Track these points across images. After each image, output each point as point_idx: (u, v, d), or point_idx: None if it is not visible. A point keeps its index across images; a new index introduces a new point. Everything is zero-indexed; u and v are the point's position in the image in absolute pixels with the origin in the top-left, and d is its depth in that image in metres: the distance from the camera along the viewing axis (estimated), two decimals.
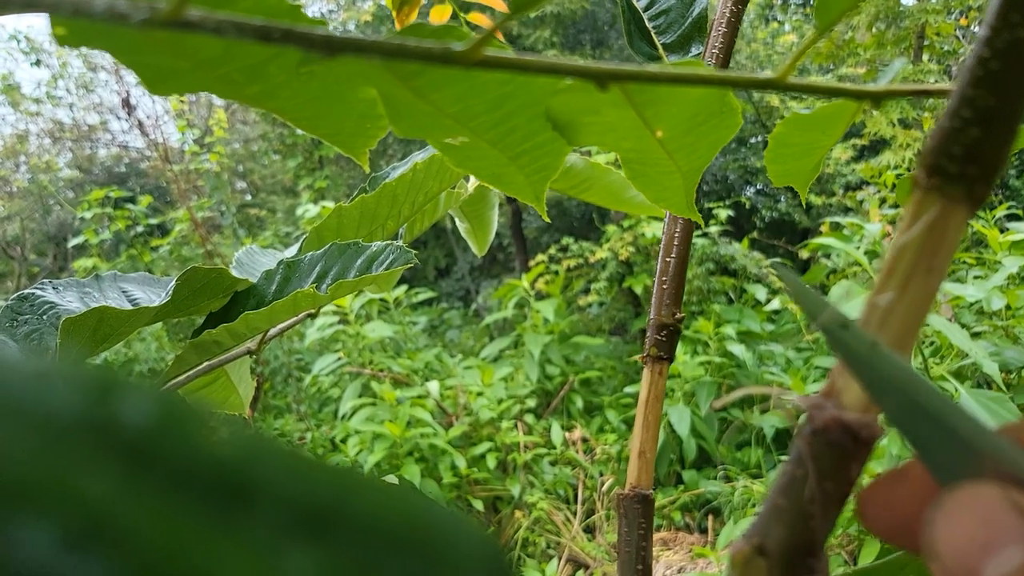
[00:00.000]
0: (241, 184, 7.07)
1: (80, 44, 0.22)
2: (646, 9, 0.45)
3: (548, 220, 0.39)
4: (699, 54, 0.44)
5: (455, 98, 0.24)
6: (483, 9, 0.96)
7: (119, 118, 7.06)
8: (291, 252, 0.72)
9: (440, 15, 0.94)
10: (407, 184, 0.63)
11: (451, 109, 0.24)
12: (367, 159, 0.30)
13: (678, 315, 0.42)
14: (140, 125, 4.54)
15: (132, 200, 4.61)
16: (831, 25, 0.22)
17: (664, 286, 0.43)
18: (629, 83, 0.22)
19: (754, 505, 2.73)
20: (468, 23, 0.96)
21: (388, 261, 0.52)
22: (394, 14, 0.82)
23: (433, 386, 3.07)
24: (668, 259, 0.44)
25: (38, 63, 6.54)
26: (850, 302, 2.02)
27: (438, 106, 0.24)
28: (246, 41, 0.17)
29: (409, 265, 0.51)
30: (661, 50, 0.44)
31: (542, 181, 0.33)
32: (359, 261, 0.53)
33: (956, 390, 1.84)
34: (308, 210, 3.96)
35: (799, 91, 0.24)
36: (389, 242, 0.52)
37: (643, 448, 0.40)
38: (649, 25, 0.45)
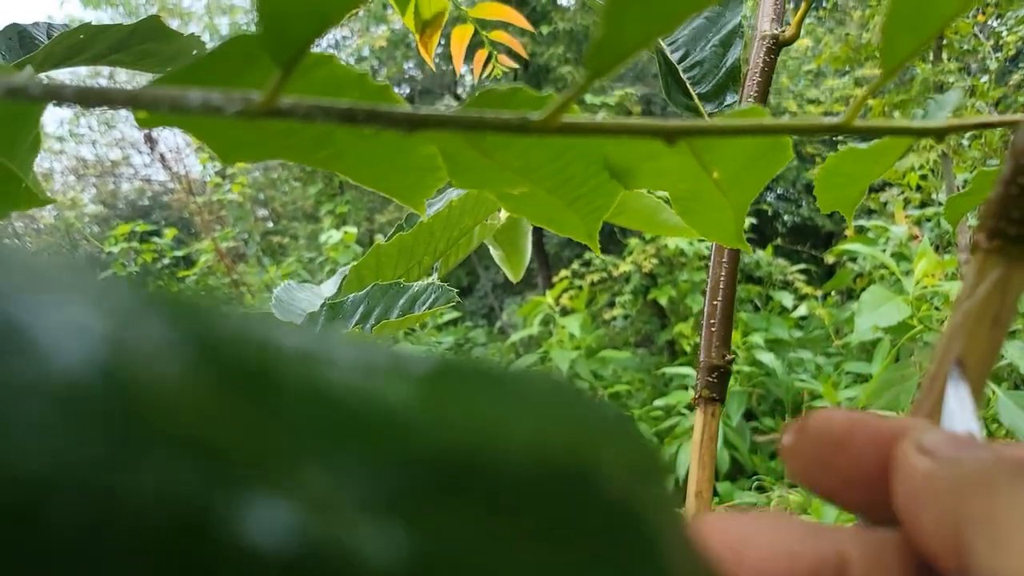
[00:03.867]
0: (263, 212, 7.14)
1: (159, 125, 0.23)
2: (680, 61, 0.46)
3: (600, 255, 0.39)
4: (734, 102, 0.45)
5: (519, 154, 0.25)
6: (504, 27, 0.97)
7: (141, 153, 7.16)
8: (327, 288, 0.73)
9: (462, 35, 0.95)
10: (443, 221, 0.64)
11: (515, 164, 0.25)
12: (424, 207, 0.31)
13: (728, 356, 0.43)
14: (163, 159, 4.61)
15: (157, 233, 4.67)
16: (896, 69, 0.22)
17: (713, 328, 0.44)
18: (697, 138, 0.23)
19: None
20: (490, 41, 0.97)
21: (431, 300, 0.53)
22: (417, 37, 0.83)
23: None
24: (715, 302, 0.44)
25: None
26: (879, 308, 2.00)
27: (503, 162, 0.25)
28: (333, 123, 0.18)
29: (451, 304, 0.52)
30: (697, 100, 0.45)
31: (596, 220, 0.34)
32: (402, 301, 0.54)
33: (993, 392, 1.81)
34: (331, 236, 3.99)
35: (867, 133, 0.24)
36: (431, 282, 0.53)
37: (699, 488, 0.40)
38: (684, 76, 0.46)
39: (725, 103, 0.44)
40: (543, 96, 0.22)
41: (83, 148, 7.39)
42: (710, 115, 0.44)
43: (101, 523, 0.07)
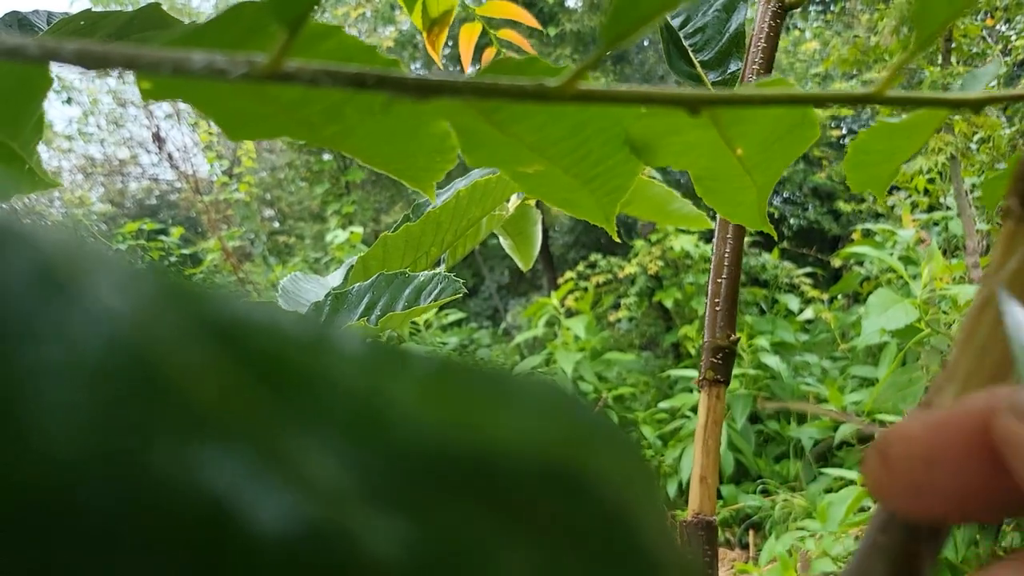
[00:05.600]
0: (269, 212, 7.15)
1: (164, 98, 0.22)
2: (682, 27, 0.45)
3: (618, 239, 0.38)
4: (738, 70, 0.44)
5: (535, 128, 0.24)
6: (513, 25, 0.96)
7: (149, 152, 7.18)
8: (333, 279, 0.72)
9: (470, 34, 0.94)
10: (450, 211, 0.63)
11: (530, 139, 0.25)
12: (434, 191, 0.30)
13: (733, 337, 0.42)
14: (170, 158, 4.62)
15: (164, 232, 4.68)
16: (933, 38, 0.22)
17: (717, 308, 0.43)
18: (721, 108, 0.22)
19: (795, 519, 2.69)
20: (499, 40, 0.97)
21: (436, 291, 0.52)
22: (424, 36, 0.83)
23: None
24: (719, 280, 0.43)
25: (69, 101, 6.68)
26: (887, 311, 1.99)
27: (518, 137, 0.24)
28: (336, 88, 0.18)
29: (458, 295, 0.51)
30: (699, 68, 0.44)
31: (612, 203, 0.33)
32: (407, 291, 0.54)
33: None
34: (337, 236, 3.99)
35: (900, 104, 0.23)
36: (436, 272, 0.53)
37: (704, 473, 0.40)
38: (686, 43, 0.45)
39: (729, 71, 0.43)
40: (559, 67, 0.22)
41: (91, 147, 7.41)
42: (714, 84, 0.42)
43: (129, 504, 0.07)
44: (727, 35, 0.46)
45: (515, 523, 0.09)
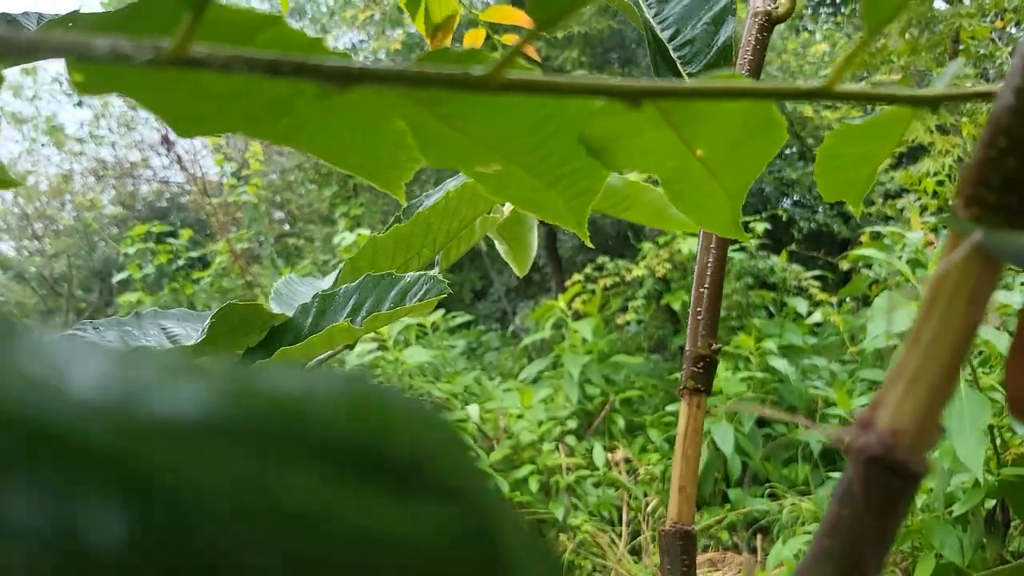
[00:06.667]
0: (279, 214, 7.17)
1: (99, 91, 0.22)
2: (671, 39, 0.45)
3: (591, 245, 0.38)
4: None
5: (485, 124, 0.24)
6: (518, 30, 0.96)
7: (160, 154, 7.22)
8: (327, 282, 0.72)
9: (474, 39, 0.94)
10: (440, 212, 0.63)
11: (481, 136, 0.24)
12: (403, 191, 0.29)
13: (714, 346, 0.42)
14: (179, 160, 4.64)
15: (173, 234, 4.70)
16: (878, 29, 0.21)
17: (699, 317, 0.42)
18: (665, 100, 0.21)
19: (803, 523, 2.67)
20: (504, 46, 0.96)
21: (422, 292, 0.52)
22: (428, 41, 0.83)
23: (473, 410, 3.07)
24: (702, 290, 0.43)
25: (80, 104, 6.72)
26: (894, 314, 1.98)
27: (468, 133, 0.24)
28: (257, 76, 0.17)
29: (442, 296, 0.51)
30: (687, 80, 0.44)
31: (582, 206, 0.32)
32: (393, 292, 0.53)
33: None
34: (345, 238, 4.00)
35: (850, 99, 0.23)
36: (422, 273, 0.52)
37: (683, 483, 0.39)
38: (674, 55, 0.44)
39: None
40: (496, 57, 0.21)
41: (103, 150, 7.46)
42: None
43: None
44: (715, 48, 0.46)
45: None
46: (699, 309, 0.43)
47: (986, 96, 0.25)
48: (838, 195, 0.38)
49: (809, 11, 5.48)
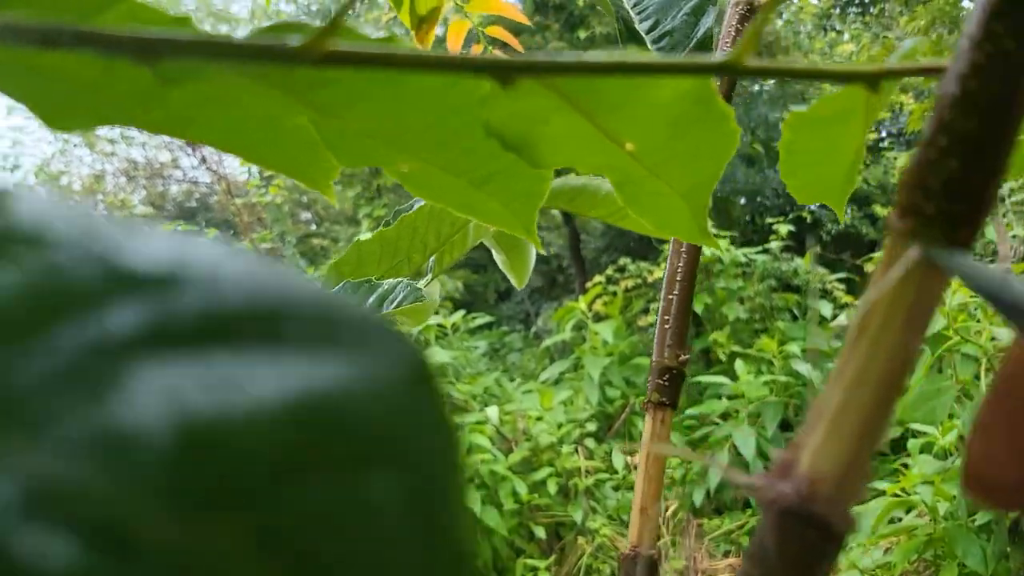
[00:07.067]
0: (306, 215, 7.21)
1: None
2: (650, 31, 0.43)
3: (543, 251, 0.37)
4: None
5: (372, 116, 0.22)
6: (504, 21, 0.95)
7: (189, 155, 7.29)
8: None
9: (459, 30, 0.93)
10: (426, 215, 0.62)
11: (373, 130, 0.22)
12: (332, 192, 0.28)
13: (682, 357, 0.40)
14: (203, 160, 4.68)
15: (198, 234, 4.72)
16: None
17: (666, 326, 0.41)
18: (547, 77, 0.19)
19: None
20: (487, 37, 0.95)
21: (399, 299, 0.51)
22: (413, 33, 0.82)
23: (492, 411, 3.05)
24: (671, 296, 0.41)
25: None
26: None
27: (362, 129, 0.22)
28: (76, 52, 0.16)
29: (419, 303, 0.50)
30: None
31: (526, 210, 0.30)
32: (371, 300, 0.52)
33: None
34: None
35: (762, 75, 0.21)
36: (400, 280, 0.51)
37: (644, 504, 0.37)
38: (653, 48, 0.43)
39: None
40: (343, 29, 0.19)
41: (134, 150, 7.55)
42: None
43: None
44: (695, 39, 0.44)
45: None
46: (667, 317, 0.41)
47: (923, 71, 0.23)
48: (814, 196, 0.36)
49: (837, 11, 5.39)
